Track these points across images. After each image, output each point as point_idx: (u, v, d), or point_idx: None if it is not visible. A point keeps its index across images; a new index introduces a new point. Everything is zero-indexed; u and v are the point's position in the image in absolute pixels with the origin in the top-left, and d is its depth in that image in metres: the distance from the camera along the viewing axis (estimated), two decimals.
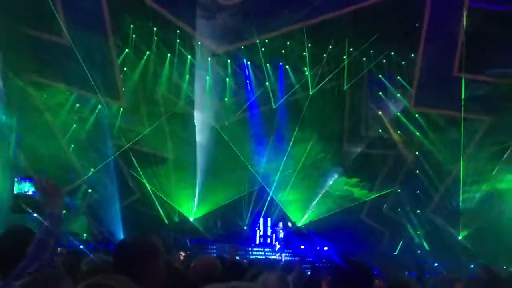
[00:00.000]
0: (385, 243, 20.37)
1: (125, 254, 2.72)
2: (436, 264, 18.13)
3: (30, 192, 16.11)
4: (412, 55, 19.32)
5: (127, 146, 18.99)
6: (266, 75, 20.55)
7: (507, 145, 18.27)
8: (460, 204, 19.03)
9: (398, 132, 20.56)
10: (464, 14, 17.41)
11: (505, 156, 18.34)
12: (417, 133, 20.13)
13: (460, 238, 19.25)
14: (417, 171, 20.28)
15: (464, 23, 17.45)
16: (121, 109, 19.10)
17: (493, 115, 18.35)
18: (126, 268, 2.49)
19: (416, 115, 19.95)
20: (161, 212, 19.61)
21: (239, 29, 18.59)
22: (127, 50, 18.92)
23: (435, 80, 18.75)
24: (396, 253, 20.11)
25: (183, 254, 8.13)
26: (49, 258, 2.84)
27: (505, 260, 14.60)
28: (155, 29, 18.72)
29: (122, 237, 17.44)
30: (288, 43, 19.74)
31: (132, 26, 18.56)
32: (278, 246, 18.97)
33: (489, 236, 17.35)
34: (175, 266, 5.50)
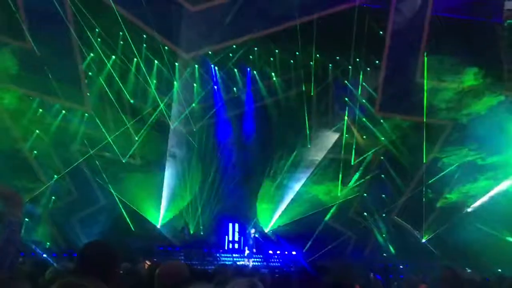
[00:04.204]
0: (352, 246, 20.59)
1: (85, 259, 2.78)
2: (401, 267, 18.48)
3: None
4: (377, 61, 19.72)
5: (92, 152, 18.62)
6: (233, 80, 20.61)
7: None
8: (424, 207, 19.49)
9: (364, 137, 20.89)
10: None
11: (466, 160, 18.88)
12: (382, 138, 20.51)
13: (423, 241, 19.68)
14: (383, 176, 20.63)
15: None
16: (86, 114, 18.73)
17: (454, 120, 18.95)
18: (87, 273, 2.53)
19: (381, 120, 20.34)
20: (127, 219, 19.29)
21: (206, 35, 18.58)
22: (92, 54, 18.61)
23: (399, 86, 19.20)
24: (362, 256, 20.36)
25: (148, 262, 8.03)
26: (10, 265, 2.83)
27: (467, 263, 15.00)
28: (120, 33, 18.48)
29: None
30: (255, 49, 19.86)
31: (97, 30, 18.28)
32: (247, 252, 18.96)
33: (452, 239, 17.80)
34: (140, 274, 5.45)
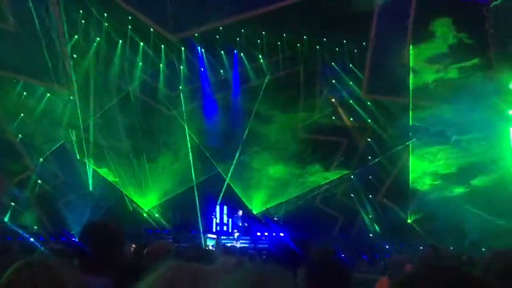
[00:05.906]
0: (339, 228, 20.77)
1: (84, 240, 2.70)
2: (387, 247, 18.73)
3: None
4: (364, 43, 19.72)
5: (76, 135, 18.44)
6: (220, 62, 20.46)
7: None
8: (410, 188, 19.72)
9: (351, 119, 20.96)
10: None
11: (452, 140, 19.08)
12: (369, 120, 20.60)
13: (409, 221, 19.93)
14: (369, 157, 20.76)
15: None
16: (71, 97, 18.50)
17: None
18: (86, 253, 2.48)
19: (368, 102, 20.40)
20: (115, 203, 19.21)
21: (192, 17, 18.37)
22: (76, 36, 18.31)
23: (386, 68, 19.25)
24: (349, 237, 20.56)
25: (134, 246, 8.04)
26: None
27: (452, 242, 15.25)
28: (105, 15, 18.19)
29: (74, 229, 17.10)
30: (242, 30, 19.69)
31: (81, 12, 17.97)
32: (237, 234, 19.01)
33: (437, 220, 18.03)
34: (126, 256, 5.45)
